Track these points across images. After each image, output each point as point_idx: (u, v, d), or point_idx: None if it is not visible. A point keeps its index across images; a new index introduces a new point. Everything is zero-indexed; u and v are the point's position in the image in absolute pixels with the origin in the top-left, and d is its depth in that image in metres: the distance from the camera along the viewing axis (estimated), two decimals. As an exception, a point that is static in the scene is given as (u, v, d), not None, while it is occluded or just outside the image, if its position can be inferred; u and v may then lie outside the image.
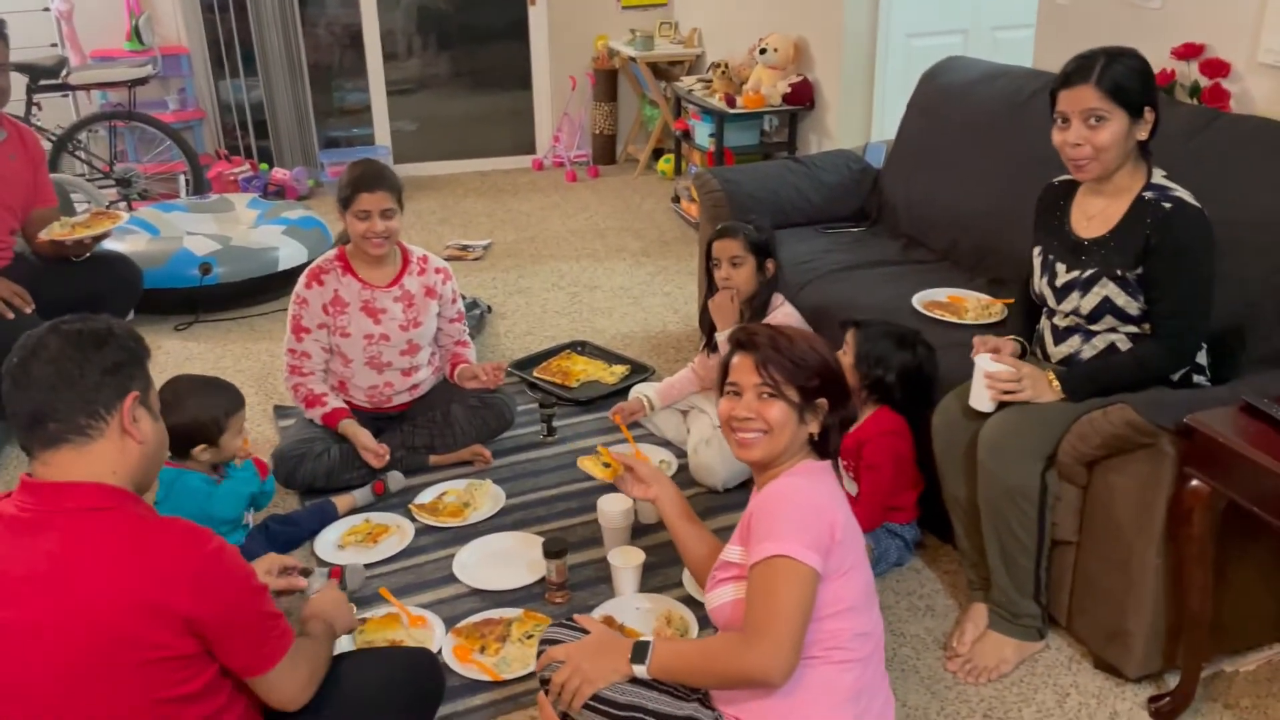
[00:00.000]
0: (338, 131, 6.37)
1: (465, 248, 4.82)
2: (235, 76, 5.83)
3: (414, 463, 2.90)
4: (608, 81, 6.21)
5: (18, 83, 4.62)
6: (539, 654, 1.78)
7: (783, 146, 4.95)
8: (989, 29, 4.58)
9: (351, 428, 2.81)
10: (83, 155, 4.90)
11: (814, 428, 1.70)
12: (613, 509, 2.49)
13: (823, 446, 1.73)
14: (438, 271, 2.98)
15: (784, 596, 1.54)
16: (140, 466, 1.55)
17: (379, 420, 2.95)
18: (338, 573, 2.42)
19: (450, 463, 2.94)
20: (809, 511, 1.61)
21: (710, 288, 2.89)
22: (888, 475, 2.40)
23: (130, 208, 4.64)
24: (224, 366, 3.66)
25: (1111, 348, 2.14)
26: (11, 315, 2.77)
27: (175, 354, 3.80)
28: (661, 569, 2.45)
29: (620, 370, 3.48)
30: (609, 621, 2.24)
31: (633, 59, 5.83)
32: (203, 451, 2.32)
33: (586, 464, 2.25)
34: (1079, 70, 2.03)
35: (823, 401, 1.70)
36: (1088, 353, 2.18)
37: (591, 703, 1.63)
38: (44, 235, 3.01)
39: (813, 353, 1.71)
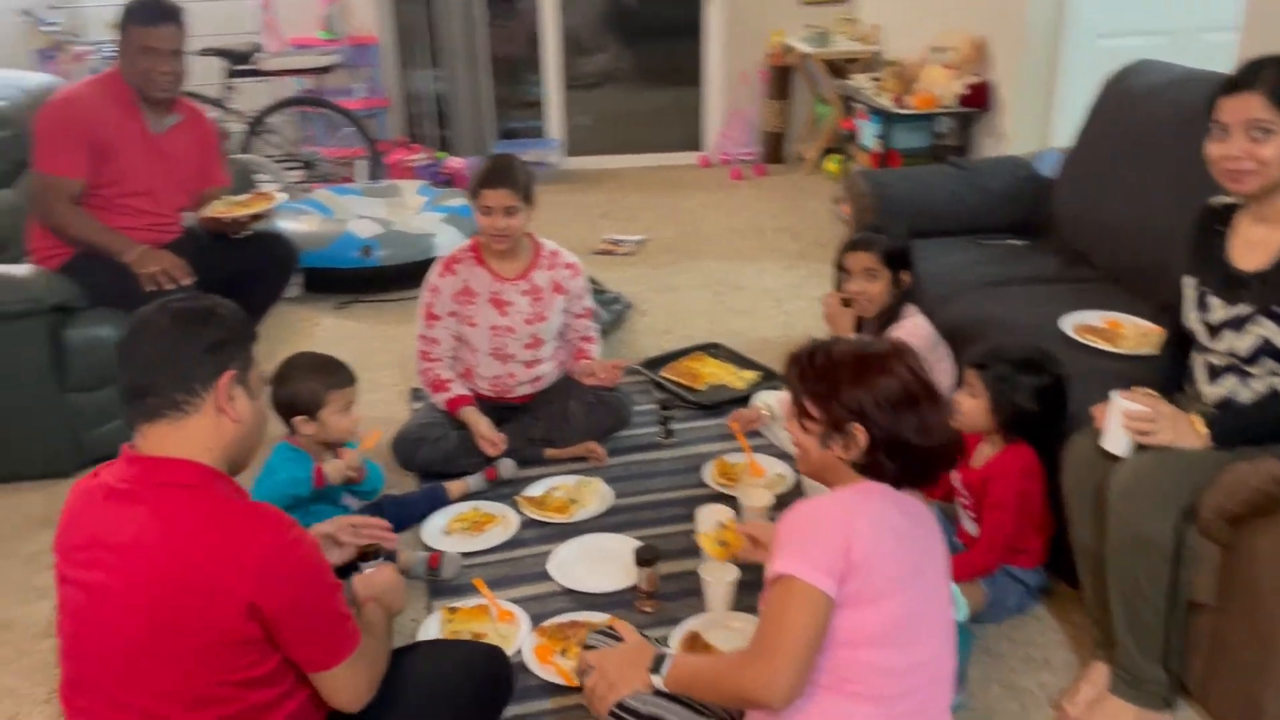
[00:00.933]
0: (518, 123, 6.51)
1: (617, 242, 4.82)
2: (421, 67, 6.05)
3: (529, 454, 2.91)
4: (780, 78, 6.08)
5: (216, 67, 4.97)
6: (580, 655, 1.77)
7: (955, 150, 4.69)
8: (1193, 31, 4.18)
9: (471, 415, 2.85)
10: (272, 138, 5.19)
11: (845, 454, 1.59)
12: (709, 520, 2.41)
13: (876, 470, 1.60)
14: (567, 267, 2.97)
15: (788, 618, 1.47)
16: (235, 445, 1.59)
17: (500, 410, 2.98)
18: (436, 559, 2.45)
19: (564, 457, 2.93)
20: (826, 531, 1.51)
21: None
22: (1011, 517, 2.21)
23: (309, 190, 4.88)
24: (374, 347, 3.79)
25: (1274, 394, 1.89)
26: (171, 286, 2.94)
27: (332, 331, 3.97)
28: (759, 589, 2.34)
29: (750, 376, 3.38)
30: (694, 638, 2.18)
31: (807, 55, 5.69)
32: (304, 423, 2.39)
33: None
34: (1246, 76, 1.79)
35: (857, 429, 1.57)
36: (1245, 395, 1.93)
37: (616, 710, 1.64)
38: (205, 212, 3.19)
39: (854, 388, 1.58)
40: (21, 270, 2.77)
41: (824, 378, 1.61)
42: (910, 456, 1.58)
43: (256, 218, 3.22)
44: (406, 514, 2.65)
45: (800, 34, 5.86)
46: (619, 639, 1.81)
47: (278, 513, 1.56)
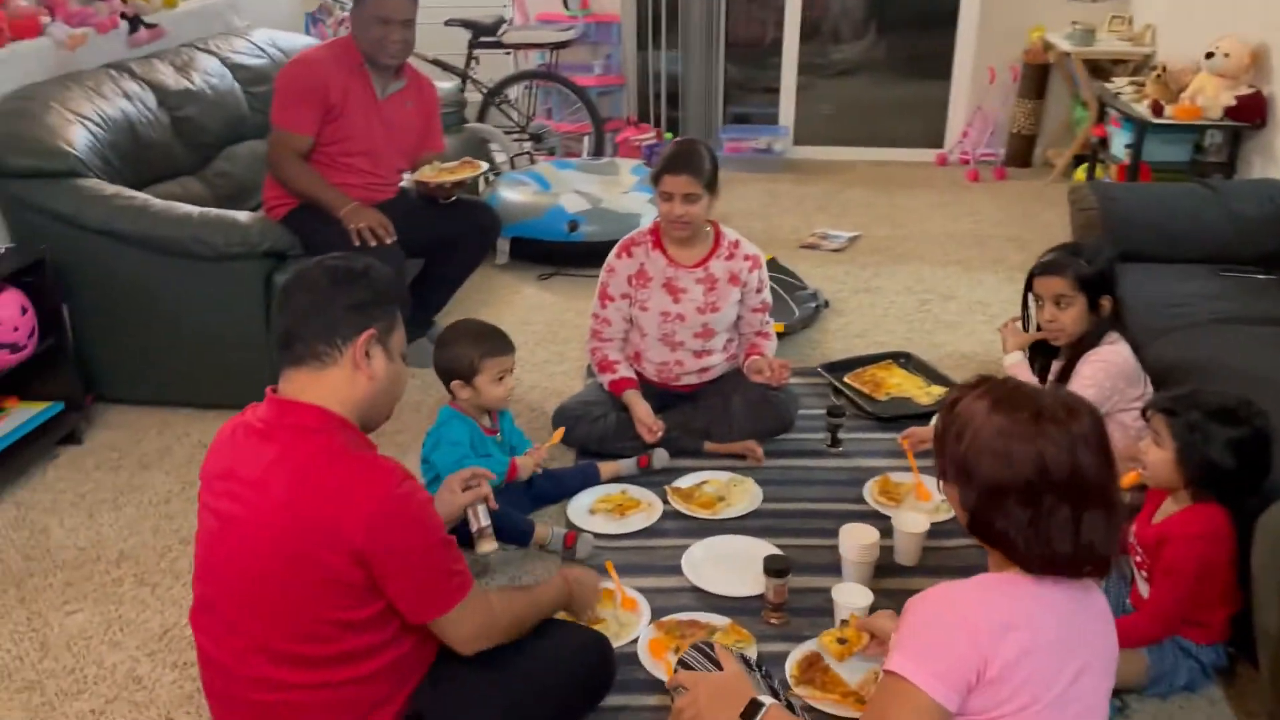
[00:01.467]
0: (752, 108, 6.44)
1: (826, 236, 4.67)
2: (658, 48, 6.09)
3: (687, 445, 2.86)
4: (1036, 77, 5.67)
5: (462, 38, 5.20)
6: (675, 669, 1.70)
7: (1219, 168, 4.21)
8: None
9: (633, 398, 2.84)
10: (508, 109, 5.39)
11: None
12: (854, 540, 2.29)
13: (1012, 553, 1.38)
14: (747, 259, 2.90)
15: None
16: (367, 401, 1.65)
17: (664, 397, 2.95)
18: (572, 539, 2.46)
19: (722, 453, 2.86)
20: (960, 637, 1.32)
21: (1025, 320, 2.54)
22: (1187, 586, 1.94)
23: (531, 161, 5.03)
24: (566, 320, 3.86)
25: None
26: (374, 243, 3.10)
27: (531, 300, 4.07)
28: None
29: (938, 392, 3.18)
30: (814, 660, 2.07)
31: (1068, 54, 5.27)
32: (460, 388, 2.45)
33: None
34: None
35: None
36: None
37: None
38: (413, 176, 3.34)
39: (990, 458, 1.37)
40: (244, 216, 3.00)
41: (953, 424, 1.41)
42: (1054, 557, 1.36)
43: (460, 184, 3.34)
44: (557, 488, 2.68)
45: (1063, 30, 5.43)
46: (718, 662, 1.72)
47: (393, 465, 1.60)
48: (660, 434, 2.80)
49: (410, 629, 1.67)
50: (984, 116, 5.81)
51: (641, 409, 2.81)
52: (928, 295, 4.06)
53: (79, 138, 3.05)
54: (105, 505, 2.71)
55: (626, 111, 6.19)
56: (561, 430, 2.69)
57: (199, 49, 4.01)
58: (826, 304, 3.91)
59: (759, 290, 2.93)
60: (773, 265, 4.18)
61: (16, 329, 2.73)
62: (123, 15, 3.74)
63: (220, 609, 1.64)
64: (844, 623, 2.09)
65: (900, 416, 3.03)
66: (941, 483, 1.48)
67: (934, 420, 2.78)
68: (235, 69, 4.03)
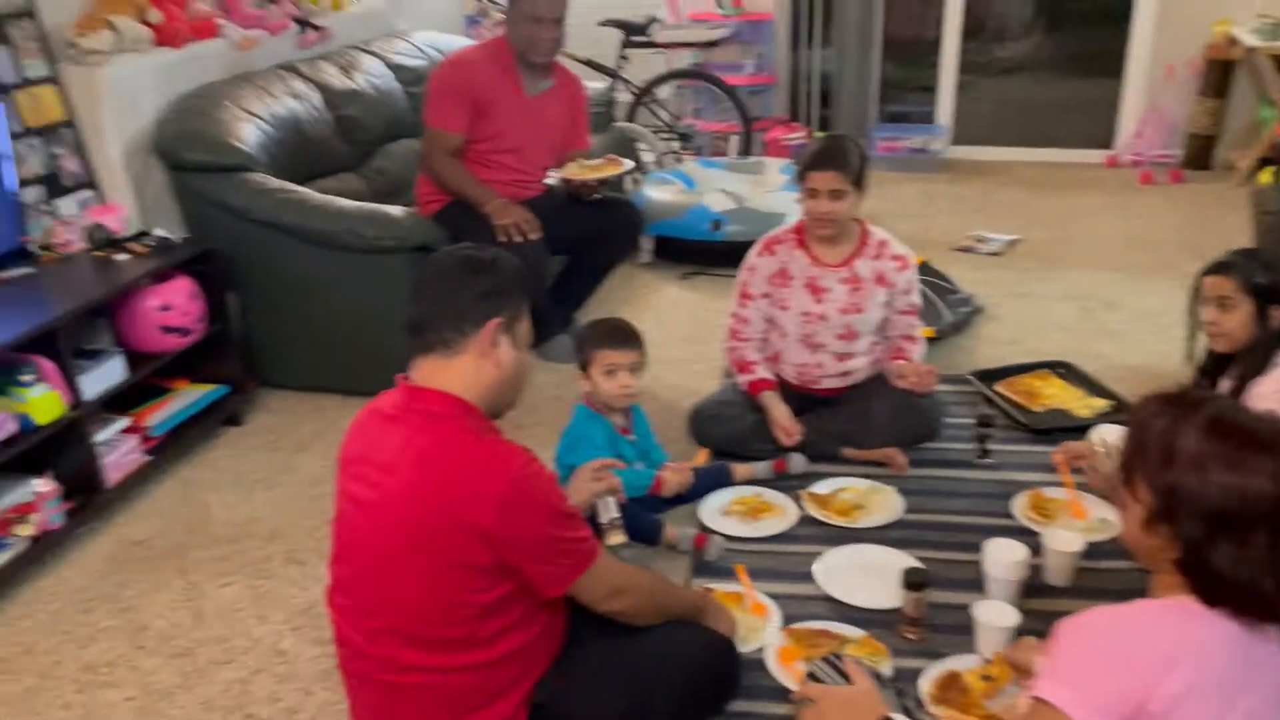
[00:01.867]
0: (908, 107, 6.26)
1: (983, 239, 4.48)
2: (810, 46, 5.99)
3: (826, 450, 2.78)
4: (1219, 74, 5.30)
5: (614, 38, 5.24)
6: (804, 680, 1.64)
7: None
8: None
9: (771, 400, 2.78)
10: (657, 108, 5.39)
11: (1170, 550, 1.28)
12: (1000, 556, 2.17)
13: (1206, 585, 1.26)
14: (895, 259, 2.80)
15: None
16: (493, 388, 1.68)
17: (803, 400, 2.88)
18: (702, 540, 2.42)
19: (862, 459, 2.77)
20: (1119, 661, 1.22)
21: (1196, 328, 2.36)
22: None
23: (678, 160, 5.02)
24: (706, 319, 3.82)
25: None
26: (519, 238, 3.15)
27: (672, 298, 4.06)
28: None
29: (1098, 405, 2.99)
30: (952, 679, 1.97)
31: (1254, 49, 4.90)
32: (581, 379, 2.45)
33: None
34: None
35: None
36: None
37: None
38: (557, 173, 3.37)
39: (1197, 477, 1.25)
40: (396, 211, 3.08)
41: (1164, 447, 1.28)
42: (1254, 593, 1.24)
43: (604, 182, 3.36)
44: (690, 488, 2.65)
45: (1250, 24, 5.06)
46: (848, 675, 1.66)
47: (517, 448, 1.61)
48: (798, 438, 2.73)
49: (537, 614, 1.69)
50: (1159, 116, 5.47)
51: (779, 411, 2.76)
52: (1090, 302, 3.84)
53: (249, 134, 3.20)
54: (261, 485, 2.84)
55: (777, 110, 6.11)
56: (707, 452, 2.66)
57: (363, 50, 4.17)
58: (980, 309, 3.75)
59: (907, 292, 2.83)
60: (924, 268, 4.03)
61: (186, 314, 2.88)
62: (293, 18, 3.92)
63: (354, 590, 1.68)
64: (986, 661, 1.99)
65: (1056, 429, 2.86)
66: (1120, 503, 1.37)
67: (1093, 436, 2.63)
68: (396, 69, 4.17)
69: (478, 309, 1.65)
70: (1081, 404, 3.01)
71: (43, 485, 2.48)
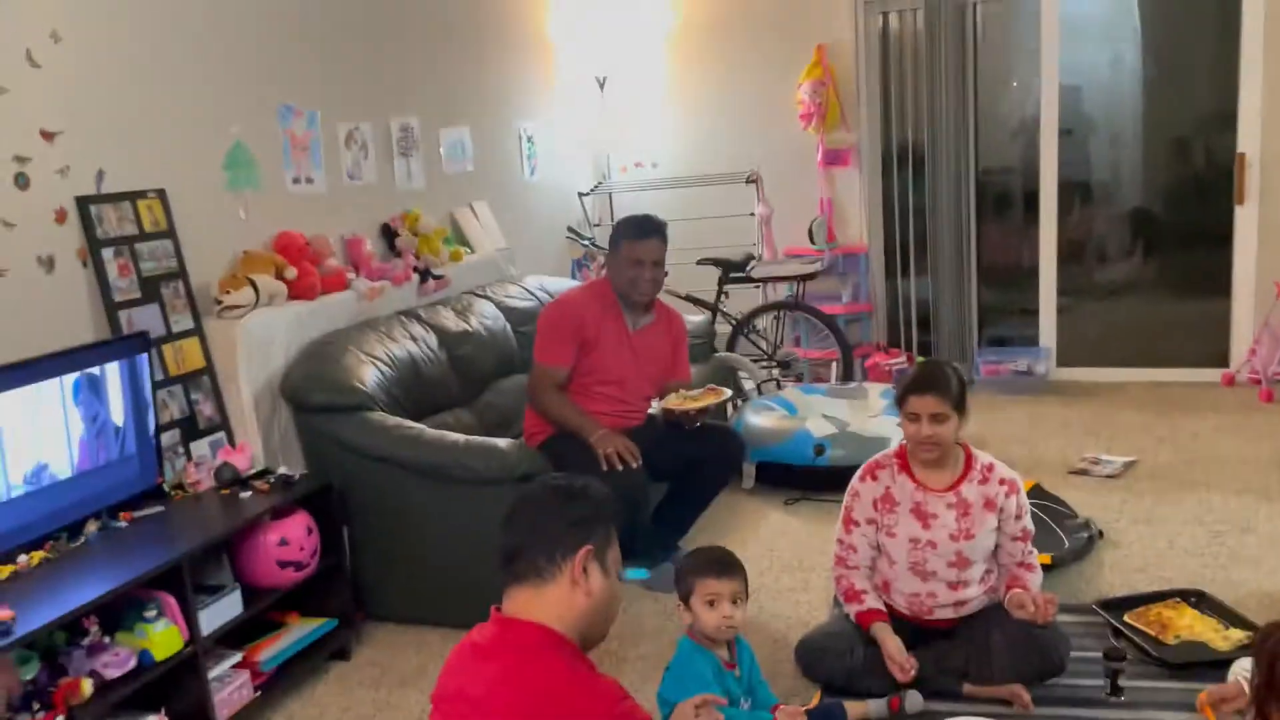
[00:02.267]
0: (1009, 330, 6.28)
1: (1097, 462, 4.35)
2: (905, 275, 6.14)
3: (943, 686, 2.64)
4: (1330, 289, 5.20)
5: (711, 274, 5.47)
6: None
7: None
8: None
9: (883, 632, 2.68)
10: (756, 338, 5.54)
11: None
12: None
13: None
14: (1002, 483, 2.74)
15: None
16: (585, 618, 1.68)
17: (916, 632, 2.77)
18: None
19: (984, 697, 2.61)
20: None
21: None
22: None
23: (779, 387, 5.10)
24: (812, 546, 3.76)
25: None
26: (620, 467, 3.21)
27: (776, 526, 4.01)
28: None
29: (1236, 637, 2.79)
30: None
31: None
32: (682, 611, 2.41)
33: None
34: None
35: None
36: None
37: None
38: (661, 404, 3.46)
39: None
40: (503, 443, 3.20)
41: None
42: None
43: (704, 411, 3.43)
44: (798, 729, 2.53)
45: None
46: None
47: (611, 683, 1.59)
48: (913, 673, 2.60)
49: None
50: (1272, 333, 5.36)
51: (892, 644, 2.64)
52: (1221, 526, 3.65)
53: (369, 376, 3.41)
54: (363, 722, 2.83)
55: (875, 337, 6.20)
56: (819, 694, 2.57)
57: (477, 295, 4.45)
58: (1100, 534, 3.60)
59: (1018, 517, 2.75)
60: (1036, 492, 3.93)
61: (302, 549, 2.98)
62: (415, 269, 4.24)
63: None
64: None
65: (1193, 664, 2.67)
66: None
67: (1236, 671, 2.44)
68: (507, 311, 4.43)
69: (569, 536, 1.68)
70: (1219, 636, 2.81)
71: (156, 723, 2.52)
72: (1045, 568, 3.21)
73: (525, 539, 1.70)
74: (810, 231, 5.88)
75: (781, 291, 5.85)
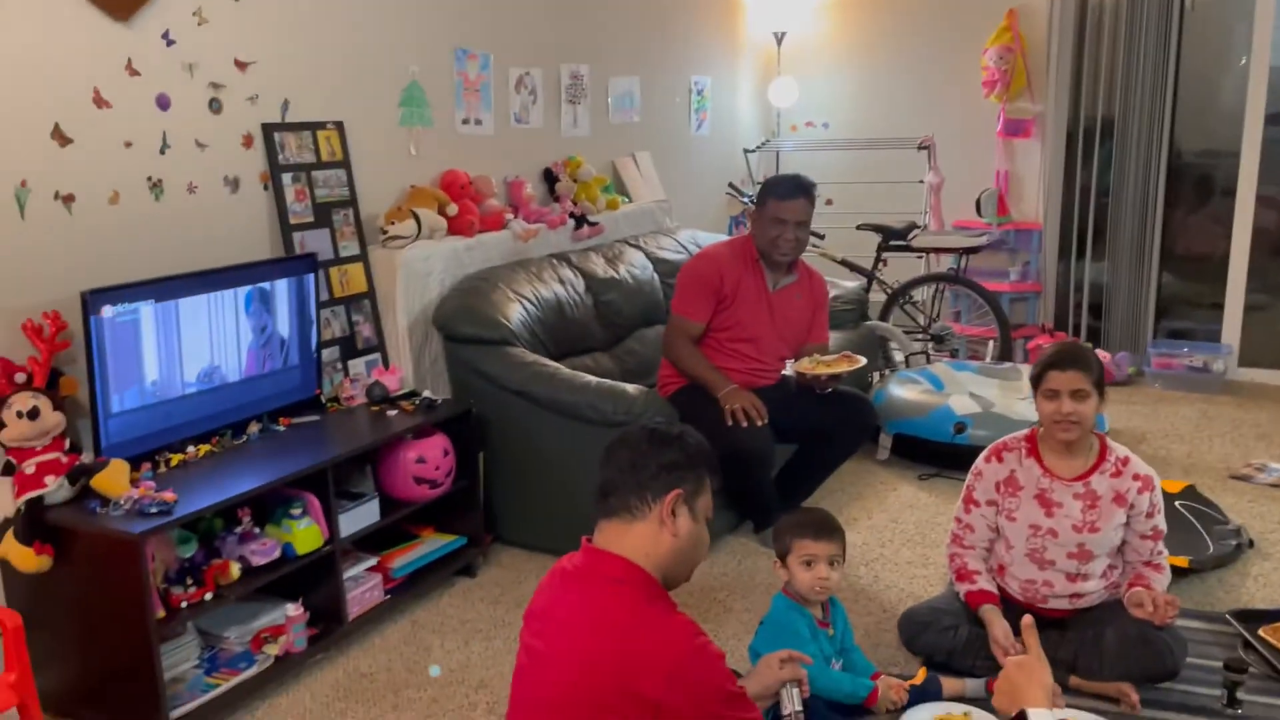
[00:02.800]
0: (1193, 324, 5.90)
1: (1262, 468, 4.08)
2: (1080, 257, 5.85)
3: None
4: None
5: (871, 240, 5.38)
6: None
7: None
8: None
9: (991, 615, 2.64)
10: (911, 309, 5.42)
11: None
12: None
13: None
14: (1136, 478, 2.63)
15: None
16: (670, 558, 1.75)
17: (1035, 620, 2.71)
18: None
19: (1090, 692, 2.54)
20: None
21: None
22: None
23: (928, 361, 4.98)
24: (938, 524, 3.69)
25: None
26: (745, 423, 3.25)
27: (906, 499, 3.97)
28: None
29: (1385, 667, 2.60)
30: None
31: None
32: (778, 568, 2.45)
33: None
34: None
35: None
36: None
37: None
38: (793, 366, 3.47)
39: None
40: (632, 389, 3.28)
41: None
42: None
43: (836, 378, 3.41)
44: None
45: None
46: None
47: (687, 621, 1.66)
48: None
49: None
50: None
51: (1000, 628, 2.60)
52: (1392, 548, 3.38)
53: (515, 313, 3.56)
54: (480, 635, 3.00)
55: (1041, 318, 5.96)
56: (924, 671, 2.58)
57: (630, 244, 4.55)
58: (1251, 544, 3.39)
59: (1149, 515, 2.64)
60: (1189, 493, 3.74)
61: (438, 468, 3.17)
62: (571, 214, 4.36)
63: None
64: None
65: (1328, 688, 2.51)
66: None
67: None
68: (656, 262, 4.50)
69: (661, 479, 1.75)
70: (1366, 664, 2.63)
71: (293, 610, 2.76)
72: (1179, 571, 3.08)
73: (619, 477, 1.77)
74: (978, 203, 5.68)
75: (944, 264, 5.68)
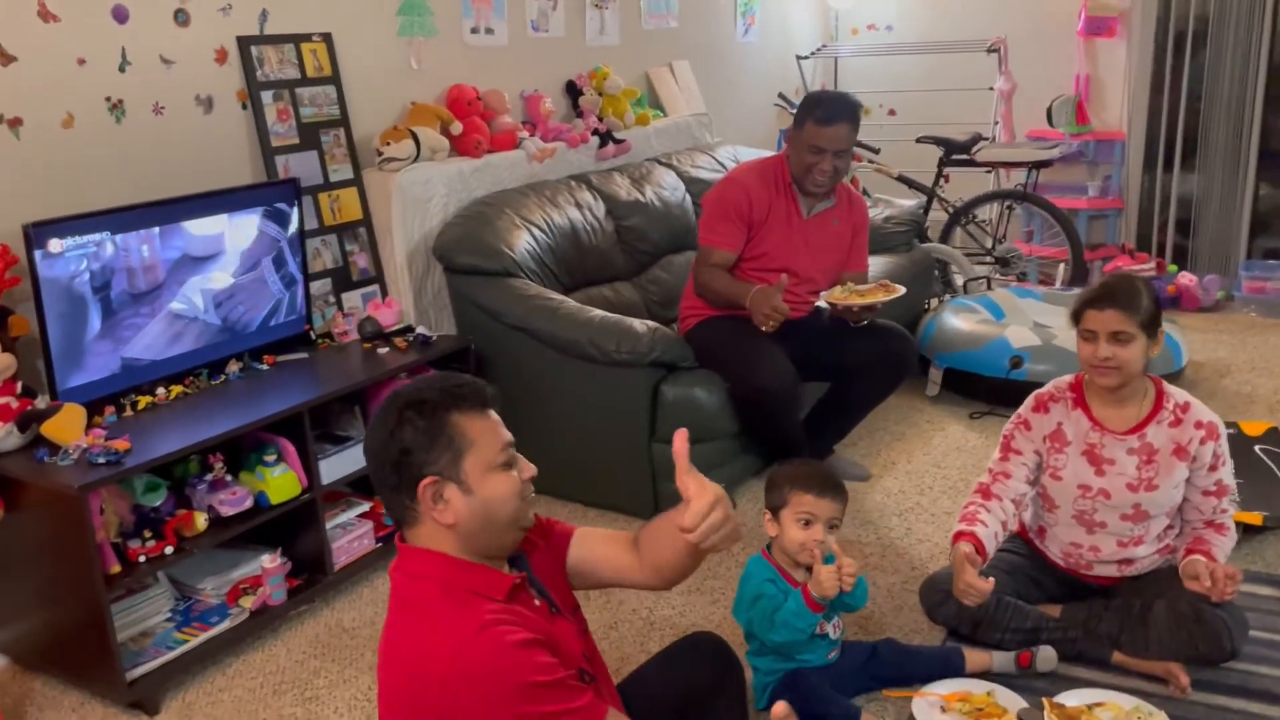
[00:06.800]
0: (1289, 241, 5.37)
1: (1362, 411, 3.65)
2: (1169, 169, 5.32)
3: (1090, 651, 2.29)
4: None
5: (933, 155, 4.95)
6: None
7: None
8: None
9: (957, 553, 2.22)
10: (976, 230, 5.00)
11: None
12: None
13: None
14: (1198, 426, 2.28)
15: None
16: (464, 539, 1.49)
17: (1068, 585, 2.42)
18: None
19: (1135, 670, 2.25)
20: None
21: None
22: None
23: (988, 287, 4.59)
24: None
25: None
26: (765, 328, 2.95)
27: (954, 440, 3.64)
28: None
29: None
30: None
31: None
32: (770, 523, 2.18)
33: None
34: None
35: None
36: None
37: None
38: (825, 296, 3.15)
39: None
40: (639, 324, 3.00)
41: None
42: None
43: (871, 309, 3.09)
44: (906, 667, 2.27)
45: None
46: None
47: (480, 614, 1.42)
48: (981, 598, 2.16)
49: None
50: None
51: (968, 571, 2.16)
52: None
53: (520, 242, 3.30)
54: (475, 587, 2.82)
55: (1123, 238, 5.48)
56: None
57: (661, 163, 4.23)
58: (1340, 497, 3.01)
59: (1213, 468, 2.29)
60: (1271, 436, 3.34)
61: (434, 409, 2.96)
62: (595, 131, 4.05)
63: None
64: None
65: None
66: None
67: None
68: (690, 182, 4.18)
69: (404, 478, 1.47)
70: None
71: (269, 561, 2.60)
72: (1251, 529, 2.76)
73: (381, 494, 1.52)
74: (1049, 112, 5.18)
75: (1015, 179, 5.22)
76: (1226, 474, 2.32)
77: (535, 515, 1.61)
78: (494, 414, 1.55)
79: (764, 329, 2.96)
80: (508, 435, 1.54)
